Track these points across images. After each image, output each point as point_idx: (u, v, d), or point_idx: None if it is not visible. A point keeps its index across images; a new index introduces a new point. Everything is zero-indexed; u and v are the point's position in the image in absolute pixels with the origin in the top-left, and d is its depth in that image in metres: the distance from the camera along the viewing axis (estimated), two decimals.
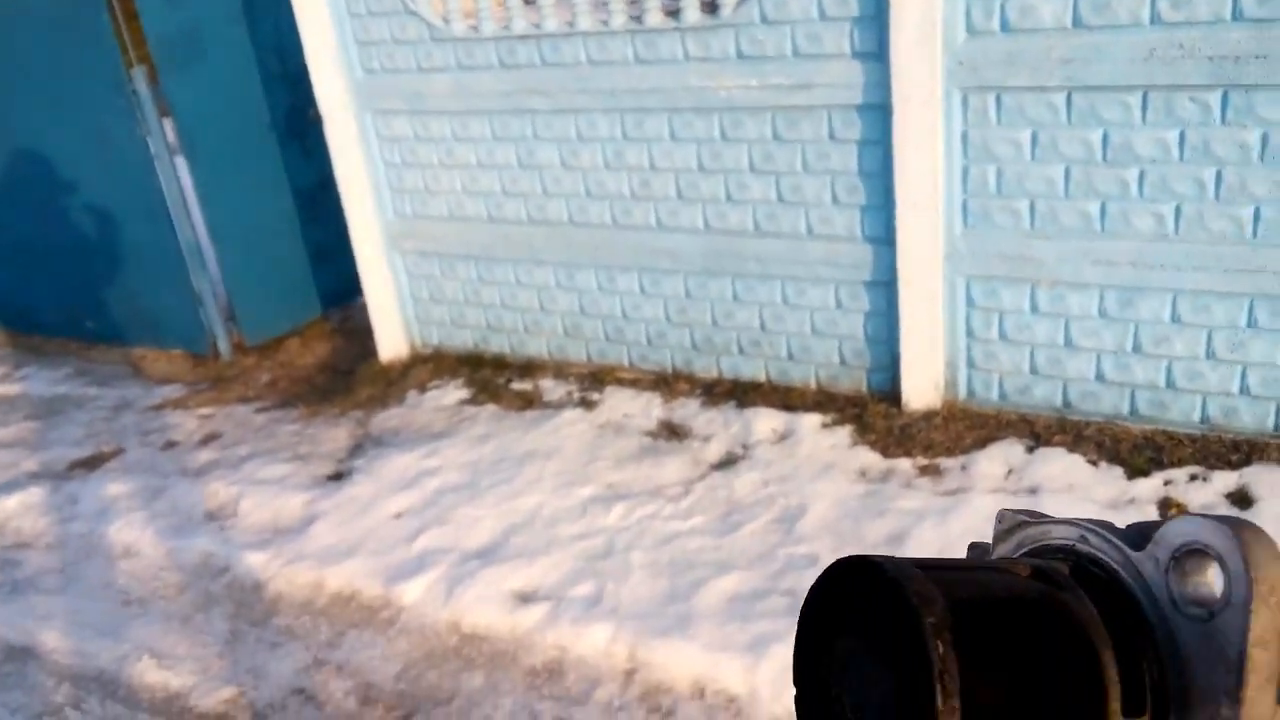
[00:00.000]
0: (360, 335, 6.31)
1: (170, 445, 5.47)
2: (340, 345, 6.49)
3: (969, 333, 4.36)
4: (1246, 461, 3.91)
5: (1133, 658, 0.38)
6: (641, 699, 3.44)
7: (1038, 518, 0.43)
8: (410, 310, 5.93)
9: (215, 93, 6.18)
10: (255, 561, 4.31)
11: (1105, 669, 0.37)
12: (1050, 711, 0.36)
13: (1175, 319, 3.92)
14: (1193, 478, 3.89)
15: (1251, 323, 3.80)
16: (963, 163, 4.07)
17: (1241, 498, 3.76)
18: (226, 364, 6.47)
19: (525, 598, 3.89)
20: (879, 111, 4.16)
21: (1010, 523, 0.44)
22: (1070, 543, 0.41)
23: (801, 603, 0.41)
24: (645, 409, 5.05)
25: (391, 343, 5.96)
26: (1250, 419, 3.96)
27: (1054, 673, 0.37)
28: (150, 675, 3.81)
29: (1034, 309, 4.17)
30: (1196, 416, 4.05)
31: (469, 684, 3.59)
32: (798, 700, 0.41)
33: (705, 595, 3.74)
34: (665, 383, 5.20)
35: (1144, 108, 3.69)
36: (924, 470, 4.25)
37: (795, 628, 0.41)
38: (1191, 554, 0.37)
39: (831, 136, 4.34)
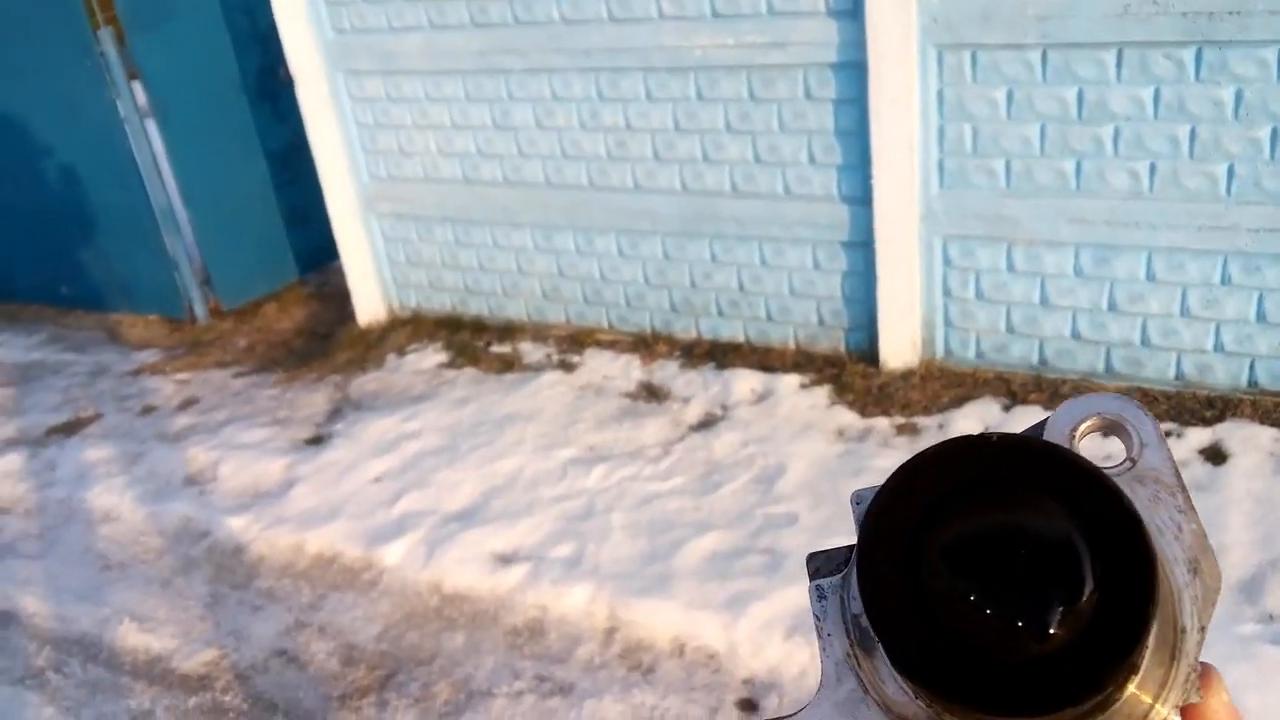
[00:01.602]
0: (338, 299, 6.27)
1: (148, 410, 5.45)
2: (317, 309, 6.46)
3: (946, 292, 4.38)
4: (1220, 418, 3.96)
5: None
6: (622, 656, 3.47)
7: None
8: (387, 273, 5.90)
9: (184, 53, 6.08)
10: (235, 525, 4.31)
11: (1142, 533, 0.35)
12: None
13: (1150, 276, 3.95)
14: (1167, 434, 3.90)
15: (1225, 279, 3.83)
16: (938, 121, 4.06)
17: (1215, 453, 3.81)
18: (203, 328, 6.43)
19: (506, 559, 3.91)
20: (855, 70, 4.14)
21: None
22: None
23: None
24: (625, 370, 5.05)
25: (369, 306, 5.93)
26: (1224, 375, 4.00)
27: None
28: (131, 638, 3.82)
29: (1010, 268, 4.19)
30: (1171, 374, 4.09)
31: (450, 644, 3.62)
32: (891, 647, 0.34)
33: (685, 554, 3.77)
34: (644, 344, 5.20)
35: (1119, 65, 3.68)
36: (901, 429, 4.28)
37: (857, 561, 0.35)
38: (1086, 428, 0.40)
39: (808, 95, 4.32)
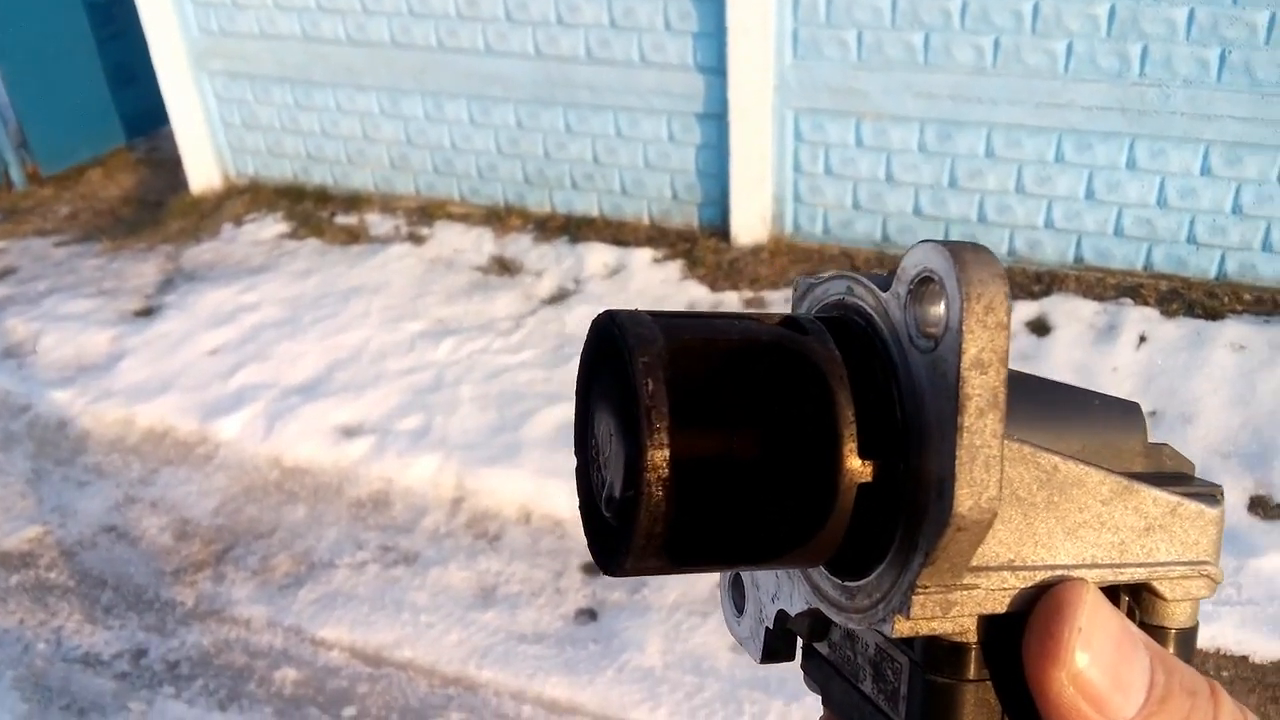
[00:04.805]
0: (169, 165, 5.89)
1: None
2: (147, 176, 6.06)
3: (796, 167, 4.39)
4: (1047, 292, 4.13)
5: (879, 399, 0.36)
6: (469, 525, 3.47)
7: (824, 278, 0.41)
8: (222, 138, 5.55)
9: None
10: (59, 399, 4.08)
11: (839, 410, 0.36)
12: (779, 453, 0.35)
13: (989, 153, 4.04)
14: None
15: (1059, 157, 3.95)
16: None
17: (1040, 325, 3.99)
18: (21, 195, 5.97)
19: (350, 431, 3.83)
20: None
21: (803, 288, 0.43)
22: (840, 296, 0.40)
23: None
24: (476, 244, 4.94)
25: (203, 173, 5.59)
26: (1052, 251, 4.16)
27: (786, 415, 0.35)
28: None
29: (859, 143, 4.22)
30: (1004, 249, 4.23)
31: (291, 517, 3.54)
32: (577, 470, 0.40)
33: (534, 425, 3.76)
34: (497, 217, 5.08)
35: None
36: (750, 303, 4.33)
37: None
38: (923, 283, 0.35)
39: None
